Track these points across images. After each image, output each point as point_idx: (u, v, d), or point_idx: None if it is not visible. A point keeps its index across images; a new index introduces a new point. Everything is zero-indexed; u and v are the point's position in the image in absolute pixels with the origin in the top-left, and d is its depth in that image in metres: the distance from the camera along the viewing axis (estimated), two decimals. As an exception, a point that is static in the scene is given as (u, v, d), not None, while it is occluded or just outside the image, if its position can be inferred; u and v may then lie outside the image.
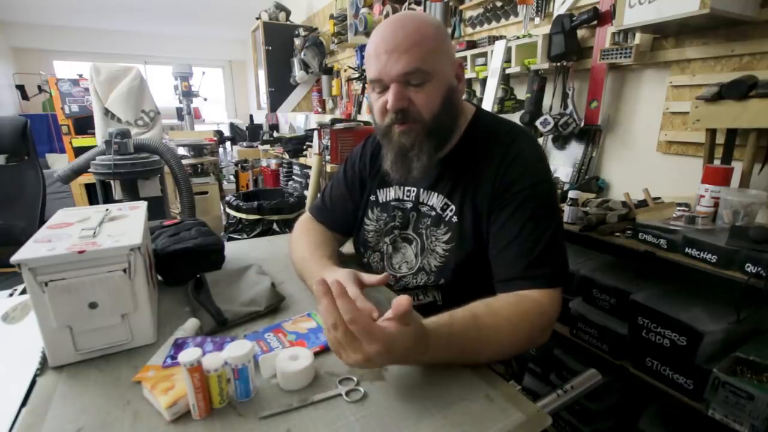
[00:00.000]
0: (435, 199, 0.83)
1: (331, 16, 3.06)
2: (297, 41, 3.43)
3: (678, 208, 1.07)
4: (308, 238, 0.93)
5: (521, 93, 1.67)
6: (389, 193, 0.90)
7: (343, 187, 0.98)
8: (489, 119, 0.84)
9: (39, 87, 4.49)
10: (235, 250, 1.08)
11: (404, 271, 0.87)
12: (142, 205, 0.84)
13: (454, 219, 0.80)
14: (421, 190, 0.85)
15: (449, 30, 2.01)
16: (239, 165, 4.49)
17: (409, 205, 0.87)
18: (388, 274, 0.75)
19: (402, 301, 0.52)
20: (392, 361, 0.53)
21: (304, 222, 1.02)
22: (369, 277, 0.74)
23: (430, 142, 0.75)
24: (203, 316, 0.72)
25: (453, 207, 0.80)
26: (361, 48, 2.81)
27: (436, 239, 0.82)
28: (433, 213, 0.83)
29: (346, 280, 0.71)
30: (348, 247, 1.15)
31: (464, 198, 0.79)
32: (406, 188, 0.88)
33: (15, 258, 0.55)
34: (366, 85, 2.85)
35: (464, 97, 1.86)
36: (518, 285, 0.70)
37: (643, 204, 1.14)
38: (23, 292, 0.90)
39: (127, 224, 0.71)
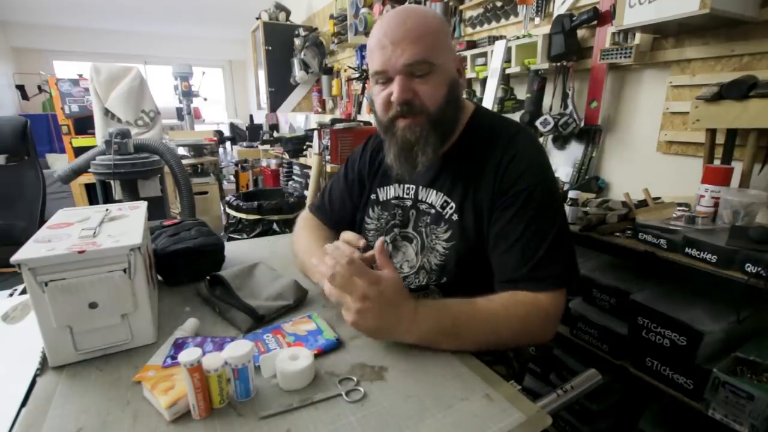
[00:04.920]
0: (434, 197, 0.82)
1: (331, 16, 3.06)
2: (297, 41, 3.43)
3: (678, 208, 1.07)
4: (310, 233, 0.96)
5: (521, 93, 1.66)
6: (389, 192, 0.90)
7: (343, 187, 0.98)
8: (489, 117, 0.84)
9: (39, 87, 4.49)
10: (235, 250, 1.09)
11: (406, 271, 0.87)
12: (142, 205, 0.84)
13: (455, 217, 0.79)
14: (420, 187, 0.85)
15: (449, 30, 2.01)
16: (239, 165, 4.49)
17: (408, 203, 0.87)
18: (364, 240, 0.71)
19: (377, 243, 0.64)
20: (384, 305, 0.60)
21: (305, 219, 1.03)
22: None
23: (435, 135, 0.74)
24: (237, 315, 0.72)
25: (453, 205, 0.79)
26: (361, 48, 2.81)
27: (436, 237, 0.81)
28: (433, 211, 0.82)
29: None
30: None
31: (465, 196, 0.78)
32: (406, 186, 0.87)
33: (15, 258, 0.55)
34: (366, 84, 2.85)
35: (464, 96, 1.87)
36: (522, 287, 0.70)
37: (643, 204, 1.14)
38: (23, 292, 0.90)
39: (127, 224, 0.71)
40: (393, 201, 0.89)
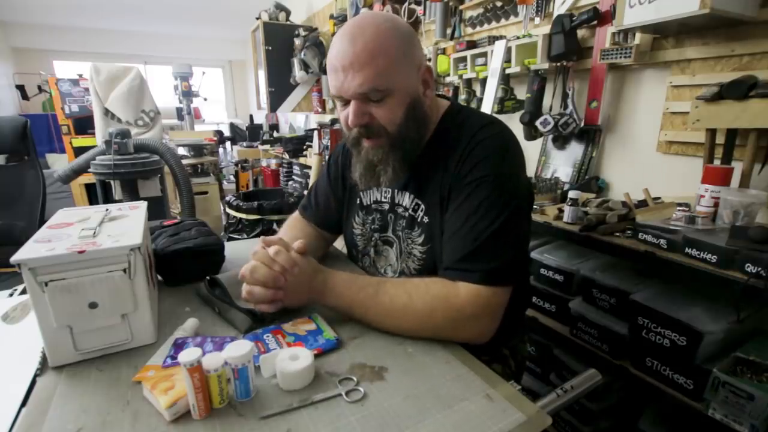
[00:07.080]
0: (407, 200, 0.82)
1: (331, 16, 3.06)
2: (297, 41, 3.43)
3: (678, 208, 1.07)
4: (288, 234, 0.97)
5: (521, 93, 1.67)
6: (371, 196, 0.89)
7: (327, 185, 0.98)
8: (459, 113, 0.80)
9: (39, 87, 4.49)
10: (235, 250, 1.08)
11: (390, 275, 0.87)
12: (142, 205, 0.84)
13: (425, 219, 0.78)
14: (396, 191, 0.84)
15: (449, 30, 2.01)
16: (239, 165, 4.50)
17: (386, 207, 0.86)
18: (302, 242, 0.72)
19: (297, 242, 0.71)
20: (296, 281, 0.67)
21: (291, 219, 1.05)
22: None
23: (396, 155, 0.74)
24: (236, 316, 0.72)
25: (423, 206, 0.79)
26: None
27: (412, 242, 0.81)
28: (407, 214, 0.82)
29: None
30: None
31: (432, 194, 0.77)
32: (384, 189, 0.86)
33: (15, 258, 0.55)
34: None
35: (463, 97, 1.87)
36: (450, 275, 0.68)
37: (643, 204, 1.14)
38: (23, 292, 0.90)
39: (127, 224, 0.71)
40: (373, 205, 0.89)
